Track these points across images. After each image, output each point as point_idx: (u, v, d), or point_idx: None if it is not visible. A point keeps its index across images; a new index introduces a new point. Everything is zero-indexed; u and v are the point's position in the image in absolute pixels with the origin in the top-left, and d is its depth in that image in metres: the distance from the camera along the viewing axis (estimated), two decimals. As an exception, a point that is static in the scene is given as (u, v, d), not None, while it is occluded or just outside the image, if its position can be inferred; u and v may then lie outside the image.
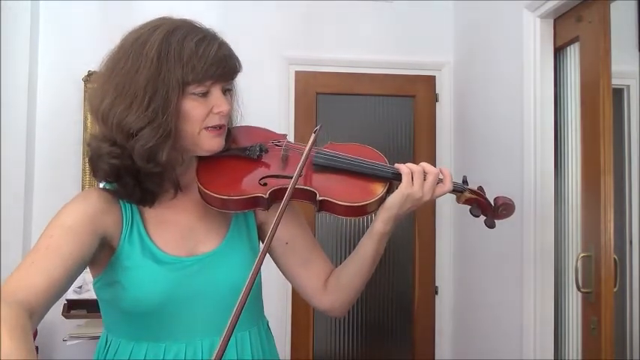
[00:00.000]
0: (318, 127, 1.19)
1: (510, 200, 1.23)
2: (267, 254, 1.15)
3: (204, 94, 1.08)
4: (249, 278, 0.96)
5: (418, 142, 3.36)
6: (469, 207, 1.24)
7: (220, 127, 1.11)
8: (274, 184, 1.13)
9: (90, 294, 2.51)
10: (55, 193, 2.88)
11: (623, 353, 2.37)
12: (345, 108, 3.34)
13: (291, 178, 1.09)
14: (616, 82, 2.09)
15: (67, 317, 2.59)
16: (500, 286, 2.65)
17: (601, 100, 2.02)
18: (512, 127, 2.53)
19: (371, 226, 1.18)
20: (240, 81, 1.17)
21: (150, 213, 1.14)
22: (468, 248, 3.08)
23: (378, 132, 3.35)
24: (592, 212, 2.05)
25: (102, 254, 1.09)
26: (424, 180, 1.14)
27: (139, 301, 1.07)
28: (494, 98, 2.78)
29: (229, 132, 1.18)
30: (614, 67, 2.02)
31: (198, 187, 1.14)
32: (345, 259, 1.25)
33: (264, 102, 3.06)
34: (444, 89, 3.35)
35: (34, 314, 0.89)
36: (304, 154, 1.12)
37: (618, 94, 2.48)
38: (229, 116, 1.15)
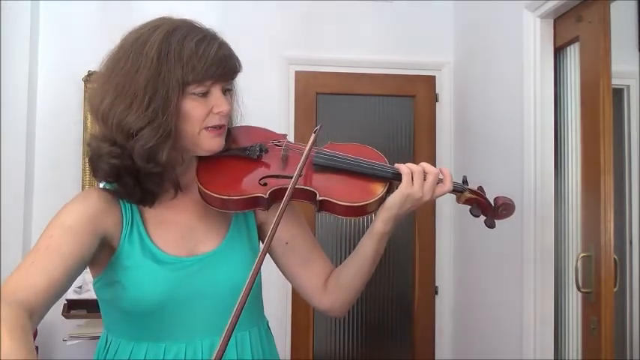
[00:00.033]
0: (318, 127, 1.19)
1: (510, 200, 1.23)
2: (267, 254, 1.15)
3: (204, 94, 1.08)
4: (249, 278, 0.96)
5: (418, 142, 3.36)
6: (469, 207, 1.24)
7: (220, 127, 1.11)
8: (274, 184, 1.13)
9: (90, 294, 2.51)
10: (55, 193, 2.88)
11: (623, 353, 2.37)
12: (345, 108, 3.34)
13: (291, 178, 1.09)
14: (616, 82, 2.09)
15: (67, 317, 2.59)
16: (500, 286, 2.65)
17: (601, 100, 2.02)
18: (512, 127, 2.53)
19: (371, 226, 1.18)
20: (240, 81, 1.17)
21: (150, 213, 1.14)
22: (468, 248, 3.08)
23: (378, 132, 3.35)
24: (592, 212, 2.05)
25: (102, 254, 1.09)
26: (424, 180, 1.14)
27: (139, 300, 1.07)
28: (494, 98, 2.78)
29: (229, 132, 1.18)
30: (614, 67, 2.02)
31: (198, 187, 1.14)
32: (345, 259, 1.25)
33: (264, 102, 3.06)
34: (444, 89, 3.35)
35: (34, 314, 0.89)
36: (304, 154, 1.12)
37: (618, 94, 2.48)
38: (229, 116, 1.15)
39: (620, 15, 2.14)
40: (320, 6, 3.28)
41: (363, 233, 1.21)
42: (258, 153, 1.17)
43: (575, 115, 2.28)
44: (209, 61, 1.05)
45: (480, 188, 1.24)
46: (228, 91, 1.13)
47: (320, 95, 3.31)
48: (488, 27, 2.87)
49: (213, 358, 0.89)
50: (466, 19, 3.18)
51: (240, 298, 0.93)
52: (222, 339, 0.90)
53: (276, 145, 1.21)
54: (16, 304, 0.85)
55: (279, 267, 1.29)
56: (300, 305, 3.16)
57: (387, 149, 3.07)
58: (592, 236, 2.04)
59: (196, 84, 1.06)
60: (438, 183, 1.16)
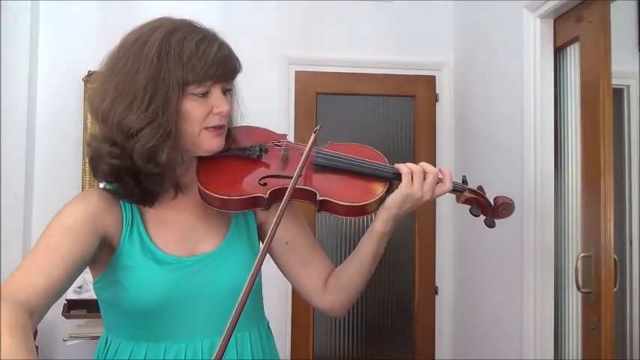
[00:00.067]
0: (318, 127, 1.19)
1: (510, 200, 1.24)
2: (267, 254, 1.15)
3: (204, 95, 1.08)
4: (249, 278, 0.96)
5: (418, 142, 3.36)
6: (469, 207, 1.24)
7: (220, 127, 1.11)
8: (274, 184, 1.13)
9: (90, 294, 2.51)
10: (55, 193, 2.88)
11: (623, 353, 2.37)
12: (345, 108, 3.34)
13: (291, 178, 1.09)
14: (616, 82, 2.09)
15: (67, 317, 2.59)
16: (500, 286, 2.65)
17: (601, 100, 2.02)
18: (512, 127, 2.53)
19: (371, 226, 1.18)
20: (240, 81, 1.17)
21: (150, 213, 1.14)
22: (468, 248, 3.08)
23: (378, 132, 3.35)
24: (592, 212, 2.05)
25: (102, 254, 1.09)
26: (424, 180, 1.14)
27: (139, 300, 1.07)
28: (494, 98, 2.78)
29: (229, 132, 1.18)
30: (614, 67, 2.02)
31: (198, 187, 1.14)
32: (345, 259, 1.25)
33: (264, 102, 3.06)
34: (444, 89, 3.35)
35: (34, 314, 0.89)
36: (304, 154, 1.12)
37: (618, 94, 2.48)
38: (229, 116, 1.15)
39: (620, 15, 2.14)
40: (320, 6, 3.28)
41: (363, 233, 1.21)
42: (258, 153, 1.17)
43: (575, 115, 2.28)
44: (209, 61, 1.05)
45: (480, 188, 1.24)
46: (228, 92, 1.13)
47: (320, 95, 3.31)
48: (488, 27, 2.87)
49: (213, 358, 0.89)
50: (466, 19, 3.19)
51: (240, 298, 0.93)
52: (222, 339, 0.90)
53: (276, 145, 1.21)
54: (16, 303, 0.86)
55: (279, 267, 1.29)
56: (300, 305, 3.16)
57: (387, 149, 3.07)
58: (592, 236, 2.04)
59: (196, 84, 1.06)
60: (437, 183, 1.16)
